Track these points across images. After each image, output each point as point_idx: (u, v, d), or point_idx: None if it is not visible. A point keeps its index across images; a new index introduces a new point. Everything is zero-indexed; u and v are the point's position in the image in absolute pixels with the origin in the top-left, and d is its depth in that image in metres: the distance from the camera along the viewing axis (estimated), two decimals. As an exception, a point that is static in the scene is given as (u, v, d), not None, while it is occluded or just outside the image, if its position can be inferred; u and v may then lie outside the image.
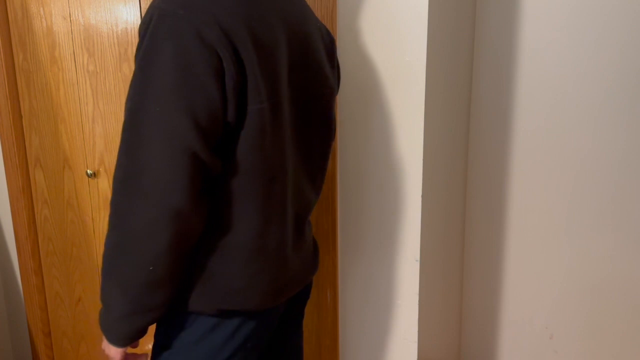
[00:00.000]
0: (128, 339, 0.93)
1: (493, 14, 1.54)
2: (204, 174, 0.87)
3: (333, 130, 1.13)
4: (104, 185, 1.75)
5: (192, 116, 0.83)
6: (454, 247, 1.70)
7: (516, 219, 1.64)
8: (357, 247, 1.44)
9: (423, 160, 1.34)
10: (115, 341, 0.94)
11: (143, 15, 1.23)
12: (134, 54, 1.30)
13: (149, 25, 0.84)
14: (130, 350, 1.04)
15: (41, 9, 1.67)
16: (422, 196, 1.36)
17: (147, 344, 1.16)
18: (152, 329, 0.98)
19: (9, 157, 1.80)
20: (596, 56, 1.43)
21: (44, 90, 1.73)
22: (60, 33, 1.65)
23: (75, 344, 1.96)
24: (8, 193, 1.84)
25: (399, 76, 1.32)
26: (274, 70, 0.91)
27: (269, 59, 0.90)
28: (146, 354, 1.03)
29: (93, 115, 1.70)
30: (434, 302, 1.56)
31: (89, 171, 1.74)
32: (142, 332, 0.93)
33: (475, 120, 1.64)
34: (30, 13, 1.69)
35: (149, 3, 1.48)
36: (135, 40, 1.60)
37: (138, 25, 1.20)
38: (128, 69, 1.63)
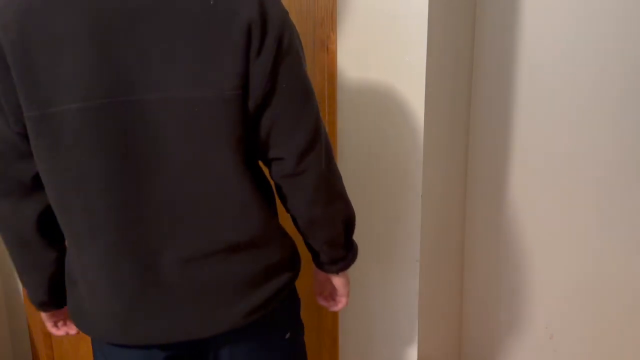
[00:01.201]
0: None
1: (493, 13, 1.54)
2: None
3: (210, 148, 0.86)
4: (104, 185, 1.74)
5: None
6: (454, 247, 1.70)
7: (516, 219, 1.64)
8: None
9: (423, 160, 1.34)
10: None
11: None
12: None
13: None
14: None
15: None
16: (422, 196, 1.36)
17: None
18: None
19: (9, 157, 1.80)
20: (597, 54, 1.43)
21: (44, 90, 1.73)
22: (60, 33, 1.65)
23: (75, 344, 1.96)
24: (8, 193, 1.84)
25: (399, 76, 1.31)
26: (52, 72, 0.80)
27: (40, 59, 0.80)
28: None
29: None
30: (434, 302, 1.56)
31: (89, 171, 1.74)
32: None
33: (475, 120, 1.64)
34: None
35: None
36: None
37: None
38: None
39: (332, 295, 1.14)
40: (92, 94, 0.80)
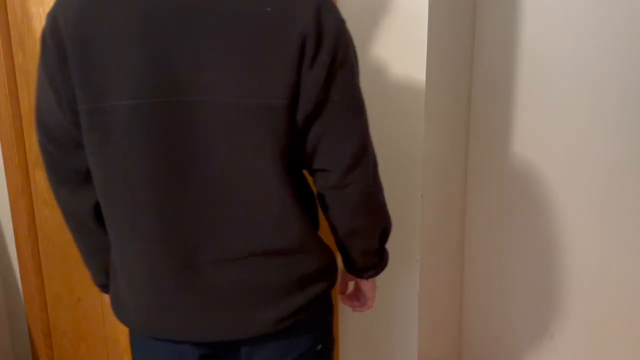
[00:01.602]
0: None
1: (493, 12, 1.54)
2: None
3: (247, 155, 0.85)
4: (104, 186, 1.74)
5: (38, 114, 0.92)
6: (454, 247, 1.70)
7: (516, 219, 1.64)
8: (357, 247, 1.44)
9: (423, 160, 1.34)
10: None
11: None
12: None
13: None
14: None
15: (41, 9, 1.67)
16: (422, 196, 1.36)
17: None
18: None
19: (9, 157, 1.80)
20: (598, 53, 1.43)
21: (44, 91, 1.73)
22: (60, 33, 1.65)
23: (75, 344, 1.96)
24: (8, 193, 1.84)
25: (399, 77, 1.31)
26: (106, 67, 0.82)
27: (96, 54, 0.82)
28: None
29: (93, 116, 1.69)
30: (434, 302, 1.56)
31: (88, 171, 1.74)
32: None
33: (476, 120, 1.64)
34: (30, 13, 1.68)
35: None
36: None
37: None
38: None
39: (356, 296, 1.15)
40: (142, 92, 0.82)
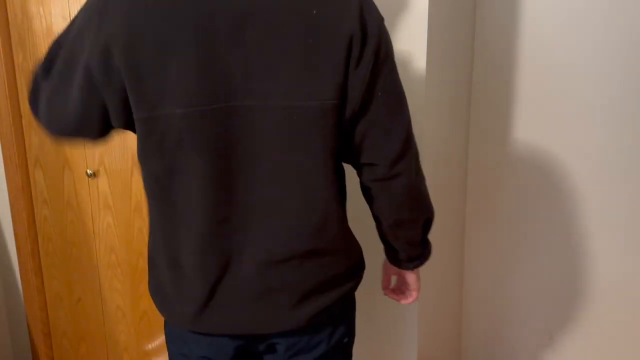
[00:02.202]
0: None
1: (493, 11, 1.54)
2: None
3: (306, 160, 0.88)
4: (104, 186, 1.75)
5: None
6: (454, 247, 1.70)
7: (516, 218, 1.64)
8: (357, 247, 1.44)
9: (423, 158, 1.33)
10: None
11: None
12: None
13: None
14: None
15: (41, 9, 1.67)
16: (422, 196, 1.36)
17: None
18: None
19: (9, 157, 1.80)
20: (598, 53, 1.43)
21: (44, 90, 1.73)
22: (60, 33, 1.65)
23: (75, 344, 1.96)
24: (8, 193, 1.84)
25: (399, 74, 1.31)
26: (159, 76, 0.83)
27: (148, 62, 0.83)
28: None
29: (93, 115, 1.69)
30: (434, 302, 1.56)
31: (89, 171, 1.74)
32: None
33: (475, 120, 1.64)
34: (30, 13, 1.69)
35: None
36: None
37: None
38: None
39: (400, 289, 1.17)
40: (196, 99, 0.84)
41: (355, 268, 1.04)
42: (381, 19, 0.88)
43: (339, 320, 1.04)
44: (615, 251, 1.51)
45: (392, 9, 1.29)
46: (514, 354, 1.75)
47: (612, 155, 1.46)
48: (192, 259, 0.94)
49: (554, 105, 1.51)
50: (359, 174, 0.97)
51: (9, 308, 2.00)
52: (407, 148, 0.93)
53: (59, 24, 1.65)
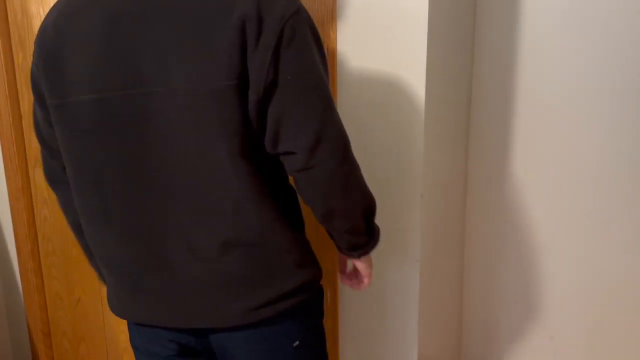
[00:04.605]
0: None
1: (493, 11, 1.54)
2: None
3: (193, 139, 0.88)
4: (104, 185, 1.74)
5: (33, 117, 1.06)
6: (454, 247, 1.70)
7: (516, 219, 1.64)
8: (357, 247, 1.44)
9: (423, 160, 1.34)
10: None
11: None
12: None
13: None
14: None
15: (41, 9, 1.67)
16: (422, 196, 1.36)
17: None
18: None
19: (9, 157, 1.80)
20: (598, 52, 1.43)
21: (44, 90, 1.73)
22: (60, 33, 1.65)
23: (75, 344, 1.96)
24: (8, 193, 1.84)
25: (399, 77, 1.31)
26: (74, 66, 0.91)
27: (64, 58, 0.91)
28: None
29: (93, 115, 1.69)
30: (434, 302, 1.56)
31: (88, 171, 1.74)
32: None
33: (475, 119, 1.64)
34: (30, 13, 1.69)
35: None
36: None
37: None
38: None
39: (354, 274, 1.16)
40: (105, 86, 0.88)
41: (302, 264, 0.98)
42: (292, 5, 0.86)
43: (286, 321, 0.99)
44: (616, 251, 1.51)
45: (392, 9, 1.29)
46: (513, 355, 1.75)
47: (612, 155, 1.46)
48: (115, 250, 0.97)
49: (554, 106, 1.51)
50: (284, 166, 0.93)
51: (8, 308, 2.00)
52: (326, 135, 0.88)
53: (59, 24, 1.65)
